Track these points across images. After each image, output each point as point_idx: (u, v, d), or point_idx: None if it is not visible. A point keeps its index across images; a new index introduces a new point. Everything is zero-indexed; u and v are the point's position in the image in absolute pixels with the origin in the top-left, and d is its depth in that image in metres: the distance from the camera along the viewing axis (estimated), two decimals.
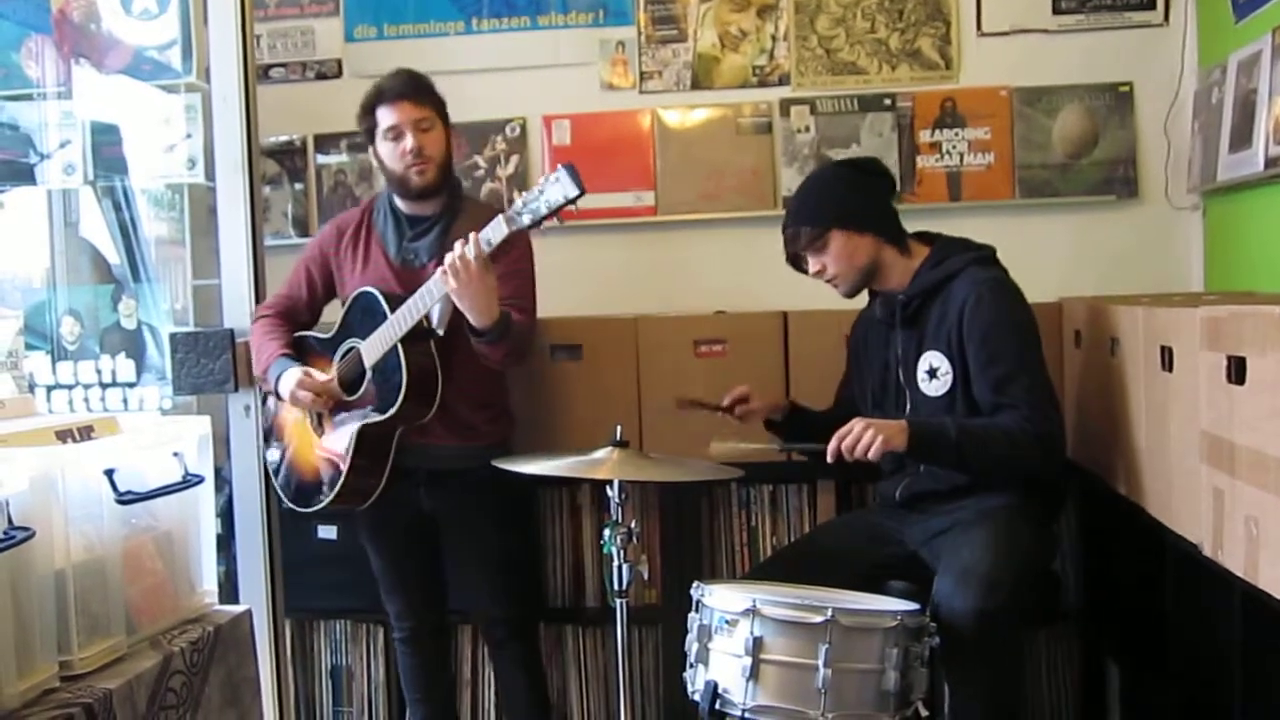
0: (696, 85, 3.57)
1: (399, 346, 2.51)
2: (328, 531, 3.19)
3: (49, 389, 3.07)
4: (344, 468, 2.59)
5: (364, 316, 2.60)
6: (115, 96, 3.18)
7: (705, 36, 3.56)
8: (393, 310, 2.52)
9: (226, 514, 2.79)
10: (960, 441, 2.34)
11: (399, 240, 2.71)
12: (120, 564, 1.76)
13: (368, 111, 2.69)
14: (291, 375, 2.60)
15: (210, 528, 2.08)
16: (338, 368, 2.64)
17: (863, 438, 2.30)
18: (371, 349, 2.56)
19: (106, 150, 3.20)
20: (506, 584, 2.83)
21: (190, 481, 1.94)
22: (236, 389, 2.76)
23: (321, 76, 3.71)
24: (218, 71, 2.74)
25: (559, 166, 2.27)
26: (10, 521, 1.50)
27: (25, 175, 3.19)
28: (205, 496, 2.05)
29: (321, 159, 3.71)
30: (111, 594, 1.73)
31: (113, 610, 1.73)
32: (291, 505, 2.74)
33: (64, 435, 1.87)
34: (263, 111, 2.82)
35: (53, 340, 3.16)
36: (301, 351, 2.71)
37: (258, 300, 2.80)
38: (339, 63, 3.70)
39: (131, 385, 3.09)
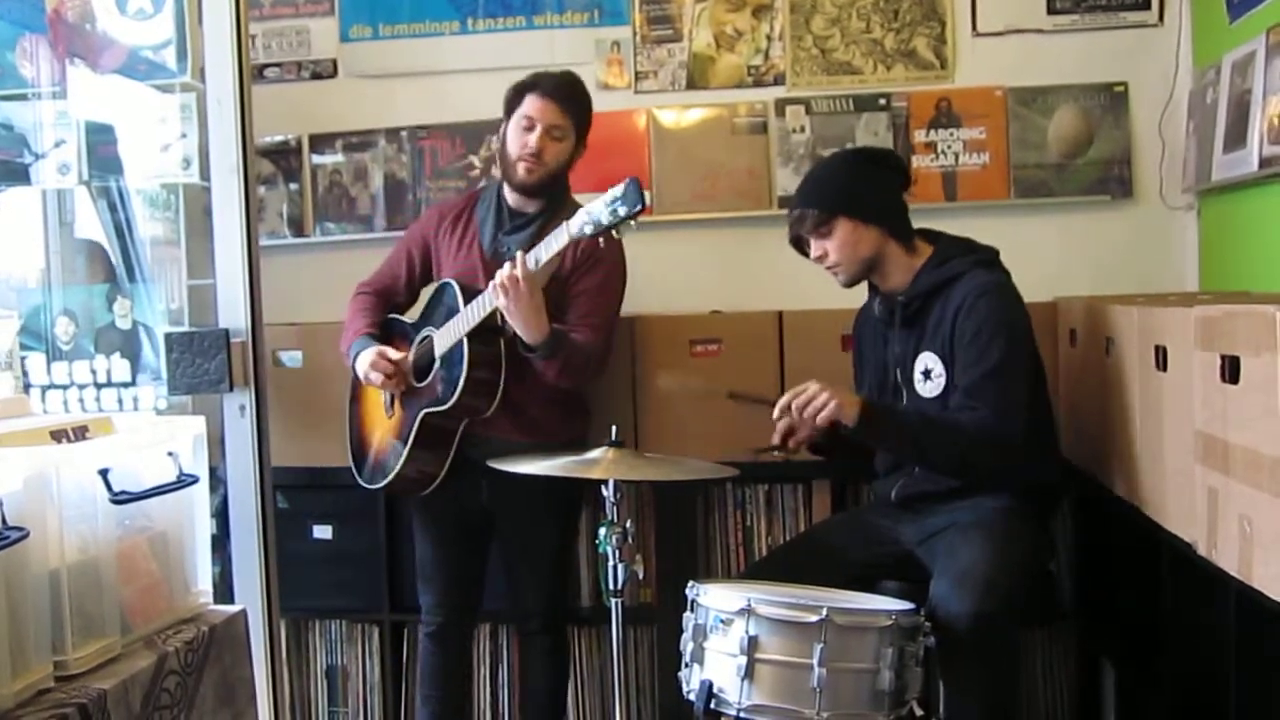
0: (692, 85, 3.58)
1: (464, 340, 2.56)
2: (323, 531, 3.20)
3: (44, 389, 3.05)
4: (402, 454, 2.67)
5: (442, 307, 2.69)
6: (110, 96, 3.17)
7: (700, 36, 3.57)
8: (467, 304, 2.58)
9: (221, 514, 2.78)
10: (918, 430, 2.38)
11: (495, 231, 2.76)
12: (114, 564, 1.76)
13: (518, 92, 2.72)
14: (367, 355, 2.70)
15: (205, 528, 2.08)
16: (414, 354, 2.73)
17: (816, 399, 2.30)
18: (442, 339, 2.64)
19: (101, 150, 3.19)
20: (553, 579, 2.86)
21: (185, 481, 1.93)
22: (231, 389, 2.75)
23: (317, 76, 3.70)
24: (213, 71, 2.73)
25: (625, 181, 2.30)
26: (4, 522, 1.49)
27: (20, 175, 3.18)
28: (200, 496, 2.04)
29: (317, 159, 3.71)
30: (106, 594, 1.72)
31: (107, 610, 1.72)
32: (360, 481, 2.83)
33: (58, 435, 1.86)
34: (258, 111, 2.82)
35: (47, 340, 3.15)
36: (389, 333, 2.81)
37: (253, 300, 2.80)
38: (334, 63, 3.69)
39: (126, 385, 3.08)
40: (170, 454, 1.94)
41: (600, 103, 3.56)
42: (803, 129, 3.52)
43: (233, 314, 2.78)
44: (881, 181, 2.56)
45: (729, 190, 3.54)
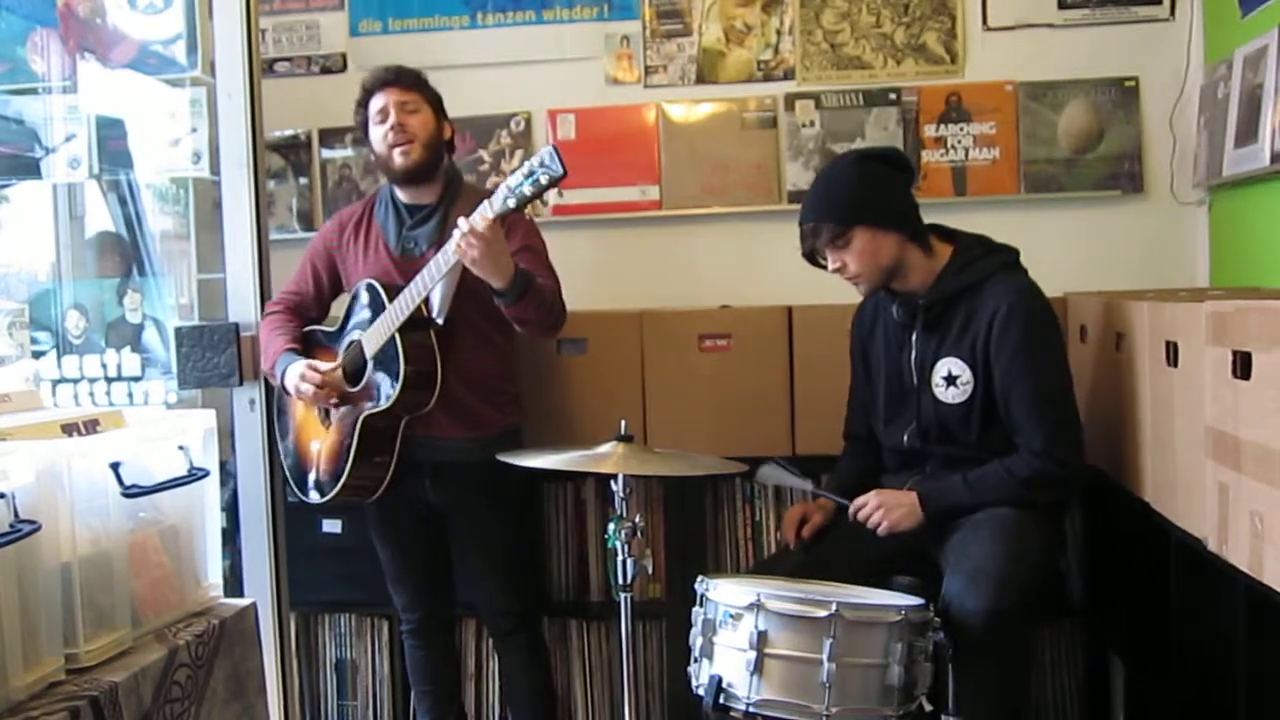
0: (701, 79, 3.57)
1: (397, 336, 2.54)
2: (332, 525, 3.20)
3: (54, 383, 3.07)
4: (348, 461, 2.61)
5: (365, 308, 2.64)
6: (120, 91, 3.18)
7: (710, 31, 3.56)
8: (391, 301, 2.55)
9: (231, 507, 2.80)
10: (975, 506, 2.38)
11: (399, 230, 2.73)
12: (126, 557, 1.76)
13: (361, 105, 2.73)
14: (295, 369, 2.63)
15: (215, 521, 2.09)
16: (342, 360, 2.67)
17: (872, 516, 2.42)
18: (372, 340, 2.59)
19: (112, 144, 3.21)
20: (512, 576, 2.84)
21: (195, 475, 1.94)
22: (241, 383, 2.76)
23: (326, 71, 3.71)
24: (223, 66, 2.74)
25: (544, 149, 2.28)
26: (16, 515, 1.50)
27: (31, 169, 3.19)
28: (210, 490, 2.05)
29: (326, 153, 3.72)
30: (117, 587, 1.73)
31: (118, 603, 1.73)
32: (301, 497, 2.77)
33: (70, 429, 1.87)
34: (267, 106, 2.83)
35: (58, 334, 3.17)
36: (310, 345, 2.74)
37: (263, 294, 2.82)
38: (344, 57, 3.70)
39: (137, 379, 3.09)
40: (181, 448, 1.95)
41: (610, 97, 3.60)
42: (812, 124, 3.51)
43: (242, 308, 2.79)
44: (893, 183, 2.49)
45: (738, 185, 3.54)
